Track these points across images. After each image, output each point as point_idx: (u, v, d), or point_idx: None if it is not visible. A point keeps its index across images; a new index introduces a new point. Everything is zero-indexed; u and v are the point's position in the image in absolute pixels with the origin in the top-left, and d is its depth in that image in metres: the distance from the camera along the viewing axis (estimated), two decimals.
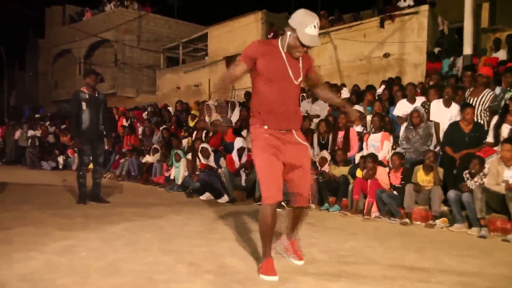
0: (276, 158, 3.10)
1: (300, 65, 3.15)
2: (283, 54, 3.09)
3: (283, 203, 6.39)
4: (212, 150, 8.03)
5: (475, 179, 5.23)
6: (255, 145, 3.16)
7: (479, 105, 6.27)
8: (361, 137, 7.15)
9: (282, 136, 3.14)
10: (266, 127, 3.11)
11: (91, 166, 6.54)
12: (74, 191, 6.84)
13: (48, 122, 16.46)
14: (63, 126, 14.99)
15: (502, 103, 5.99)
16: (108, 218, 5.18)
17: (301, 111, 3.38)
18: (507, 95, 5.93)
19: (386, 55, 11.37)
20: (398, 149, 6.50)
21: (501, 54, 9.00)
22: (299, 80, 3.15)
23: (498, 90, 6.38)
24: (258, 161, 3.13)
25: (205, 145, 8.08)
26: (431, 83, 7.77)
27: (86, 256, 3.45)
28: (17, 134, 15.77)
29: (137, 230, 4.50)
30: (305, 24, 2.97)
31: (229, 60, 14.77)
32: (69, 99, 6.35)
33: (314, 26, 2.98)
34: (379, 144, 6.68)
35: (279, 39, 3.16)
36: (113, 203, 6.44)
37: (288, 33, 3.04)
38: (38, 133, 15.08)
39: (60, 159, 13.56)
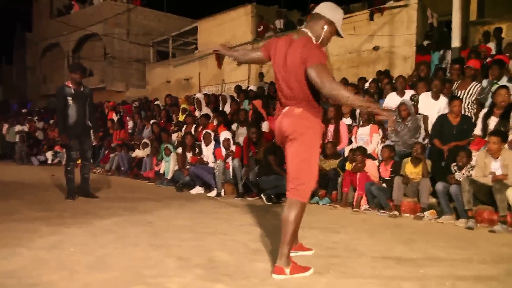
0: None
1: None
2: None
3: (263, 197, 6.46)
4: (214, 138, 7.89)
5: (463, 171, 5.28)
6: (318, 135, 3.00)
7: (466, 97, 6.32)
8: (350, 130, 7.17)
9: None
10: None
11: (80, 161, 6.49)
12: (62, 186, 6.79)
13: (36, 117, 16.29)
14: (51, 121, 14.84)
15: (489, 95, 6.05)
16: (96, 213, 5.15)
17: None
18: (494, 88, 5.97)
19: (376, 48, 11.37)
20: (388, 142, 6.53)
21: (490, 47, 9.04)
22: None
23: (485, 82, 6.42)
24: (316, 154, 3.00)
25: (209, 130, 7.98)
26: (422, 74, 7.79)
27: (74, 251, 3.42)
28: (5, 129, 15.59)
29: (126, 225, 4.48)
30: (341, 19, 3.00)
31: (219, 54, 14.63)
32: None
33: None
34: (368, 138, 6.70)
35: (308, 31, 2.96)
36: (102, 198, 6.41)
37: (325, 26, 2.94)
38: (25, 128, 14.93)
39: (49, 154, 13.45)
